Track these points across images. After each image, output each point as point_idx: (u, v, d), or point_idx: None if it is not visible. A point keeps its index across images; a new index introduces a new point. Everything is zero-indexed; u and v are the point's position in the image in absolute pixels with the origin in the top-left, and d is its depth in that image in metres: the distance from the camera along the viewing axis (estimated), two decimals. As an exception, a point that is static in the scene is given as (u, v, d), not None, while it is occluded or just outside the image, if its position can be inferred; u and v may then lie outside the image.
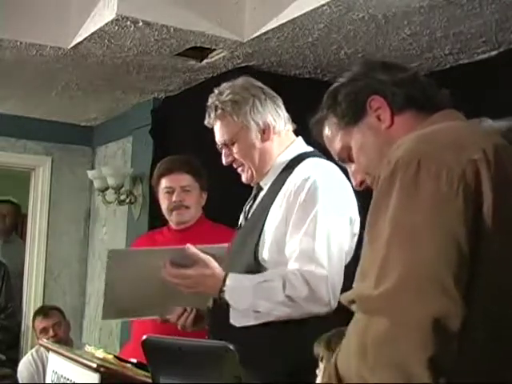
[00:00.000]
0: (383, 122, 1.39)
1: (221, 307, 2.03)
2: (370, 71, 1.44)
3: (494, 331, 1.10)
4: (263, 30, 3.36)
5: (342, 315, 1.82)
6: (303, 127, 1.77)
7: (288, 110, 2.20)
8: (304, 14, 3.12)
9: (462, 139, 1.19)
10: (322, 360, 1.78)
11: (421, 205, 1.10)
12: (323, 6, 3.02)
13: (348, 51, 3.61)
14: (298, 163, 2.09)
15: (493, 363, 1.10)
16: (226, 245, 2.09)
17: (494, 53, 3.49)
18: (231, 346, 1.43)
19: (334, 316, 1.91)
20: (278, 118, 2.14)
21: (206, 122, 2.19)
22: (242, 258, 2.07)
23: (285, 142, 2.16)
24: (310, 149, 2.15)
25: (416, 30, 3.29)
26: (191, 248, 1.98)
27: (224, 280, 1.96)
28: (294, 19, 3.19)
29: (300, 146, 2.18)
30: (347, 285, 1.87)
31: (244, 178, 2.18)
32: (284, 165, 2.12)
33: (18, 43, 3.65)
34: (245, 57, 3.74)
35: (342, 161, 1.49)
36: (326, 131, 1.49)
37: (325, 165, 2.05)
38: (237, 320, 2.00)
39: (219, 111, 2.12)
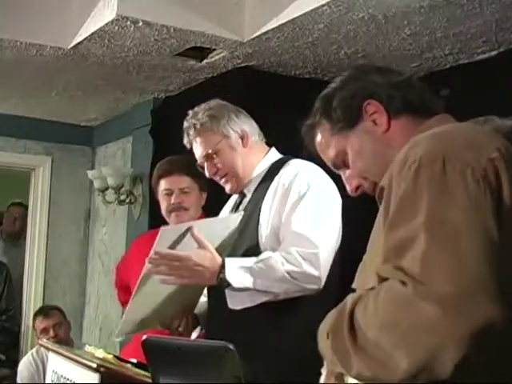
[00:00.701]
0: (379, 126, 1.38)
1: (217, 295, 2.10)
2: (364, 74, 1.42)
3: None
4: (263, 29, 3.36)
5: (327, 294, 2.03)
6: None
7: (288, 110, 2.22)
8: (304, 14, 3.12)
9: (476, 139, 1.18)
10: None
11: (455, 202, 1.09)
12: (323, 6, 3.02)
13: (348, 51, 3.61)
14: (282, 165, 2.23)
15: (504, 364, 1.09)
16: (242, 212, 2.17)
17: (494, 53, 3.50)
18: (231, 346, 1.43)
19: (321, 295, 2.06)
20: (252, 128, 2.30)
21: (184, 142, 2.32)
22: (241, 253, 2.12)
23: (262, 152, 2.31)
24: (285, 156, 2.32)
25: (416, 30, 3.29)
26: (195, 230, 2.02)
27: (222, 263, 2.03)
28: (294, 19, 3.19)
29: (276, 154, 2.33)
30: (333, 269, 2.11)
31: (228, 189, 2.30)
32: (266, 170, 2.26)
33: (18, 43, 3.66)
34: (245, 57, 3.73)
35: (337, 167, 1.47)
36: (319, 138, 1.47)
37: (309, 164, 2.17)
38: (233, 303, 2.09)
39: (198, 127, 2.25)
